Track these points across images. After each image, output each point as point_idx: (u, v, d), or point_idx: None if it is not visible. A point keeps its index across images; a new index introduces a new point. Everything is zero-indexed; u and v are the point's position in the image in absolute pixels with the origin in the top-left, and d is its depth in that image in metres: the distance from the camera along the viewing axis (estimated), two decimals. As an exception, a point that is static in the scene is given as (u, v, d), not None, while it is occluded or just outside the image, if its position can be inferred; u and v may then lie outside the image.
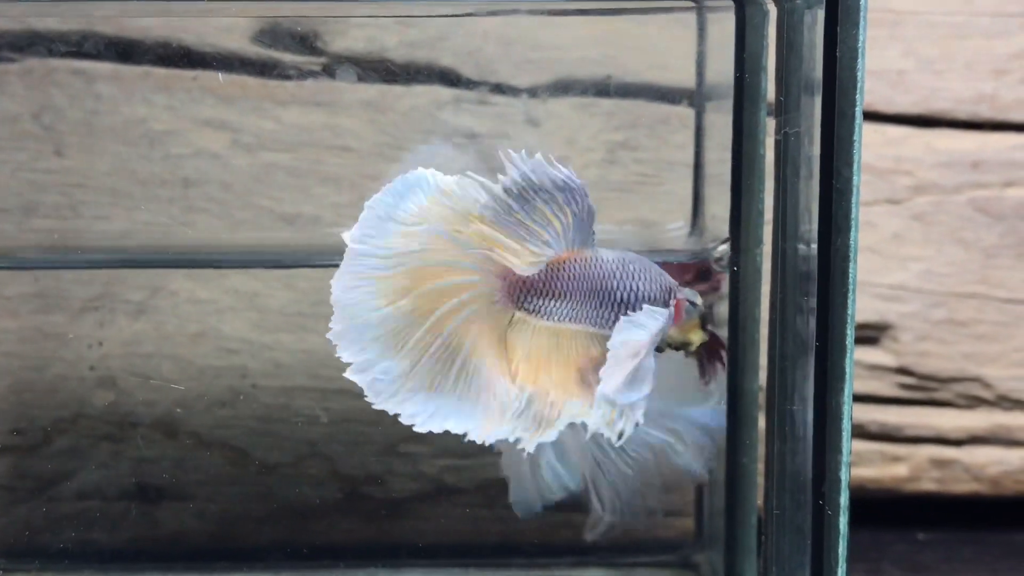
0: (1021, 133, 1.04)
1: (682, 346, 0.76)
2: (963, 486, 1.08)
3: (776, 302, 0.80)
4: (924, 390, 1.07)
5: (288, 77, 0.95)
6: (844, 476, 0.71)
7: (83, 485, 0.96)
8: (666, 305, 0.73)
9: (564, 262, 0.72)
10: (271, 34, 0.94)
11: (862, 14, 0.69)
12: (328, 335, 0.70)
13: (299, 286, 0.98)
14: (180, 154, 0.95)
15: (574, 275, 0.72)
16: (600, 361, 0.70)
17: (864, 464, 1.07)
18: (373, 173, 0.96)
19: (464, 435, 0.70)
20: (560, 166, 0.70)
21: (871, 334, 1.06)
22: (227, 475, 0.97)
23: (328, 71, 0.94)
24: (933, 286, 1.05)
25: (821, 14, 0.71)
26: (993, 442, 1.07)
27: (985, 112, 1.04)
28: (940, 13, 1.04)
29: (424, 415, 0.71)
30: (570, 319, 0.72)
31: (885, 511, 1.08)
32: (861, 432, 1.06)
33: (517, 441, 0.71)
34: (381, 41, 0.95)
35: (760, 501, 0.85)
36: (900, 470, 1.07)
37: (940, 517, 1.09)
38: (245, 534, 0.97)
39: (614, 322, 0.72)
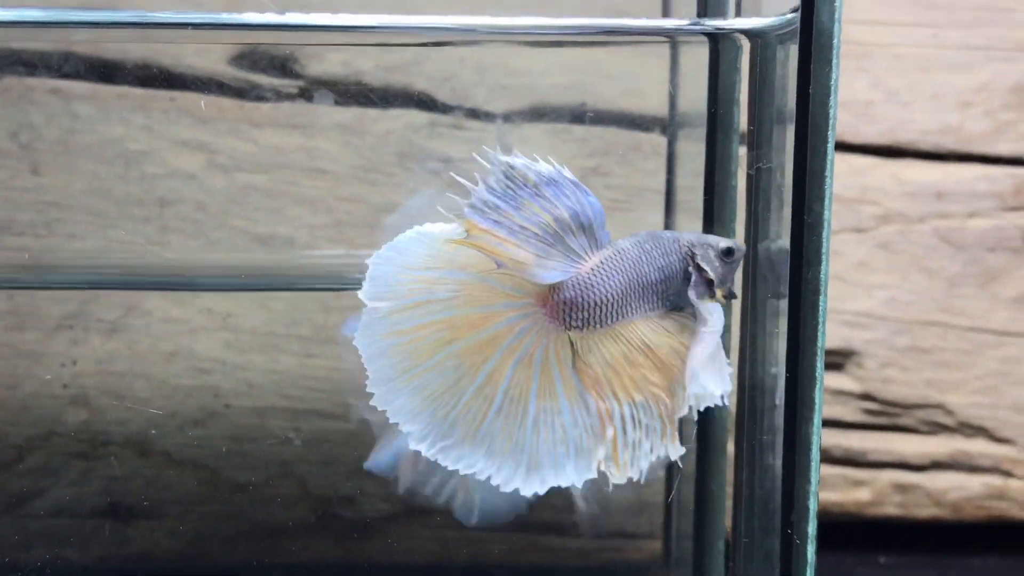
0: (985, 165, 1.06)
1: (731, 295, 0.74)
2: (925, 511, 1.08)
3: (746, 331, 0.80)
4: (887, 416, 1.08)
5: (265, 99, 0.95)
6: (812, 505, 0.71)
7: (55, 503, 0.96)
8: (686, 269, 0.72)
9: (591, 268, 0.71)
10: (248, 57, 0.94)
11: (835, 52, 0.69)
12: (372, 402, 0.68)
13: (273, 307, 0.98)
14: (156, 174, 0.95)
15: (605, 276, 0.71)
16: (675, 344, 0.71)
17: (828, 488, 1.07)
18: (348, 196, 0.97)
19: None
20: (544, 161, 0.70)
21: (836, 360, 1.07)
22: (199, 494, 0.97)
23: (305, 94, 0.94)
24: (897, 314, 1.06)
25: (794, 49, 0.71)
26: (954, 468, 1.08)
27: (950, 144, 1.05)
28: (907, 45, 1.05)
29: (520, 480, 0.69)
30: (620, 318, 0.71)
31: (848, 535, 1.08)
32: (825, 456, 1.07)
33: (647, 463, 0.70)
34: (357, 65, 0.95)
35: (728, 526, 0.85)
36: (863, 494, 1.08)
37: (902, 541, 1.10)
38: (217, 553, 0.97)
39: (659, 303, 0.71)
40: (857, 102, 1.04)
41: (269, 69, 0.94)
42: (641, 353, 0.71)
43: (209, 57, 0.93)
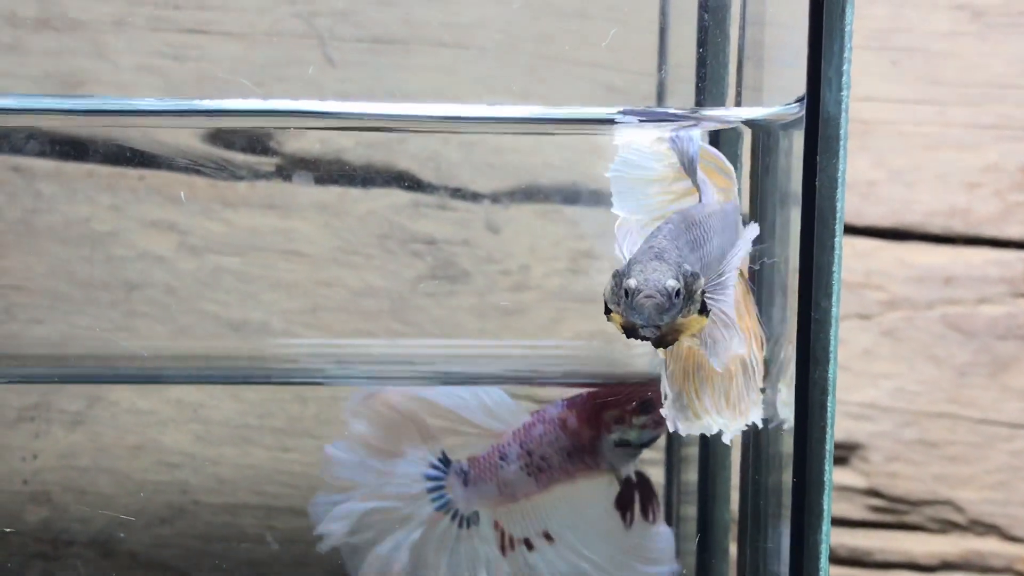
0: (995, 248, 1.03)
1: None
2: (935, 614, 1.06)
3: (750, 429, 0.76)
4: (894, 513, 1.04)
5: (239, 178, 0.92)
6: (823, 620, 0.68)
7: (12, 608, 0.93)
8: None
9: None
10: (223, 134, 0.91)
11: (842, 143, 0.67)
12: None
13: (245, 397, 0.95)
14: (123, 256, 0.93)
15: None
16: None
17: (832, 590, 1.04)
18: (326, 279, 0.94)
19: None
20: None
21: (840, 454, 1.03)
22: (166, 598, 0.94)
23: (281, 172, 0.92)
24: (904, 405, 1.03)
25: (797, 135, 0.69)
26: (965, 568, 1.05)
27: (958, 226, 1.03)
28: (911, 123, 1.02)
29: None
30: None
31: (854, 639, 1.06)
32: (829, 556, 1.03)
33: None
34: (337, 142, 0.93)
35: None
36: (870, 597, 1.05)
37: (911, 647, 1.07)
38: (184, 663, 0.94)
39: None
40: (860, 182, 1.02)
41: (244, 147, 0.92)
42: None
43: (181, 134, 0.91)
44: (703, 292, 0.65)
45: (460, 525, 0.80)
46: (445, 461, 0.80)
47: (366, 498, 0.80)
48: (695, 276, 0.64)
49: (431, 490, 0.80)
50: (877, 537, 1.05)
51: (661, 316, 0.63)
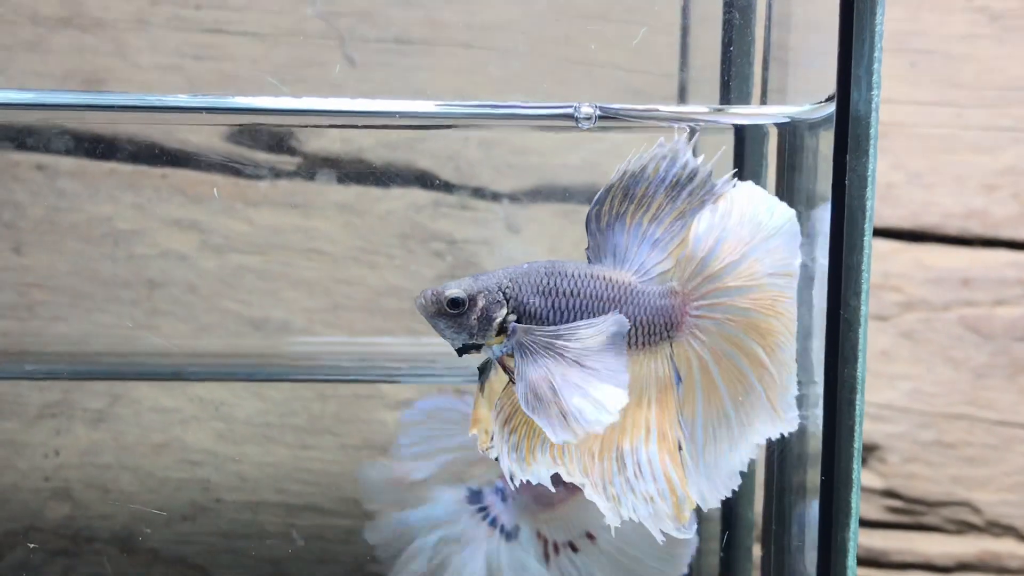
0: (1012, 250, 1.03)
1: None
2: (951, 615, 1.06)
3: None
4: (912, 514, 1.04)
5: (261, 177, 0.92)
6: (851, 619, 0.68)
7: (34, 604, 0.92)
8: None
9: None
10: (245, 133, 0.91)
11: (872, 143, 0.67)
12: None
13: (267, 395, 0.95)
14: (146, 254, 0.92)
15: None
16: None
17: (850, 589, 1.04)
18: (347, 278, 0.94)
19: None
20: None
21: (858, 454, 1.03)
22: (187, 595, 0.94)
23: (303, 171, 0.92)
24: (922, 406, 1.03)
25: (825, 135, 0.69)
26: (982, 569, 1.04)
27: (976, 228, 1.03)
28: (929, 126, 1.02)
29: None
30: None
31: (870, 639, 1.05)
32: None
33: None
34: (358, 142, 0.93)
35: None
36: (887, 597, 1.05)
37: (927, 647, 1.07)
38: (205, 659, 0.94)
39: None
40: (878, 184, 1.02)
41: (266, 146, 0.92)
42: None
43: (203, 133, 0.91)
44: (501, 319, 0.66)
45: (508, 539, 0.80)
46: (476, 491, 0.81)
47: (428, 529, 0.81)
48: (498, 304, 0.66)
49: (477, 511, 0.80)
50: (894, 538, 1.04)
51: (434, 320, 0.66)
